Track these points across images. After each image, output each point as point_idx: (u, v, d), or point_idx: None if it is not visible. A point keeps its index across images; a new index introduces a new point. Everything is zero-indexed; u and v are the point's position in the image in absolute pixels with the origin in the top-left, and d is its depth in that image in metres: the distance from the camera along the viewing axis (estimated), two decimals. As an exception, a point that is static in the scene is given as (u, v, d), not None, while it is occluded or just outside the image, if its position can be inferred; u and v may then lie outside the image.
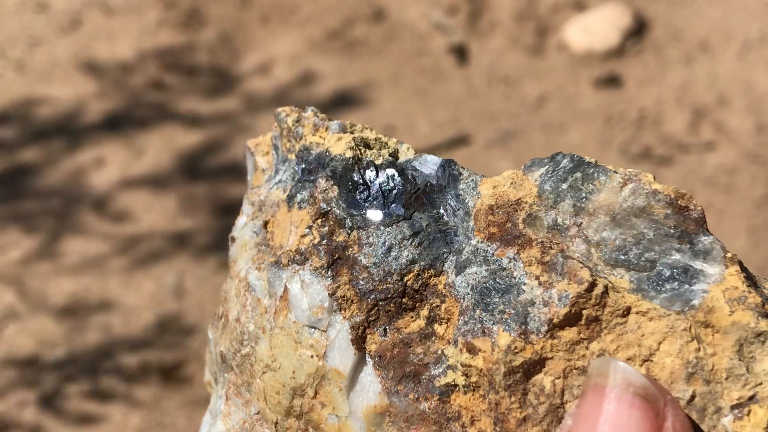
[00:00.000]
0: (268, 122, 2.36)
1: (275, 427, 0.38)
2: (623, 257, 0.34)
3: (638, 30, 2.53)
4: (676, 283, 0.33)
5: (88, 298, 1.87)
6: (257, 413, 0.39)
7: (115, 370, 1.74)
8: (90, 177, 2.18)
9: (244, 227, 0.42)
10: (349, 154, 0.38)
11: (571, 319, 0.33)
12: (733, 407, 0.31)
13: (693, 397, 0.31)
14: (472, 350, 0.34)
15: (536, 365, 0.33)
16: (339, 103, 2.43)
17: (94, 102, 2.41)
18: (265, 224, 0.40)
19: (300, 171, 0.40)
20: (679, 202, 0.35)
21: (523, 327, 0.33)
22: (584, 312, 0.33)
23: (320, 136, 0.41)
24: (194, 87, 2.47)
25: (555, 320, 0.33)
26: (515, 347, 0.33)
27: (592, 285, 0.33)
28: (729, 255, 0.33)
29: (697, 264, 0.33)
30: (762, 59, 2.41)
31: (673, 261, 0.33)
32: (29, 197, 2.13)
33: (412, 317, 0.36)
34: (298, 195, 0.39)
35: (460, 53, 2.56)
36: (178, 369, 1.74)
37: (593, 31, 2.52)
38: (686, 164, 2.17)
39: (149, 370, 1.74)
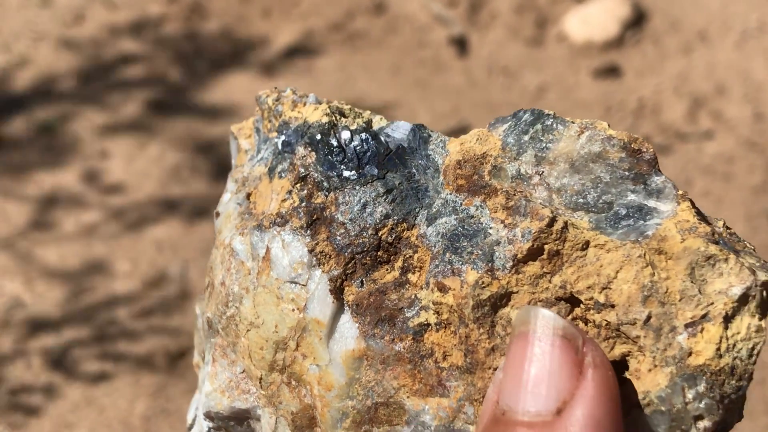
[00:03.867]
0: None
1: (260, 382, 0.40)
2: (582, 201, 0.36)
3: (637, 20, 2.54)
4: (632, 220, 0.35)
5: (80, 264, 1.89)
6: (242, 372, 0.41)
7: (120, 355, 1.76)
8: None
9: (228, 202, 0.44)
10: (325, 119, 0.41)
11: (533, 254, 0.35)
12: (686, 326, 0.33)
13: (649, 317, 0.34)
14: (442, 289, 0.37)
15: (502, 299, 0.36)
16: (340, 95, 2.44)
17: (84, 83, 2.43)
18: (248, 196, 0.43)
19: (280, 144, 0.42)
20: (632, 145, 0.36)
21: (490, 264, 0.36)
22: (546, 246, 0.35)
23: (298, 111, 0.43)
24: (195, 74, 2.49)
25: (519, 255, 0.35)
26: (482, 282, 0.36)
27: (552, 220, 0.35)
28: (680, 192, 0.35)
29: (651, 202, 0.35)
30: (760, 48, 2.42)
31: (629, 201, 0.35)
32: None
33: (387, 269, 0.38)
34: (278, 166, 0.42)
35: (461, 45, 2.57)
36: (183, 355, 1.77)
37: (592, 21, 2.53)
38: (685, 153, 2.19)
39: (155, 356, 1.76)
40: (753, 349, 0.33)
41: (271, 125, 0.44)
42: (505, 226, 0.36)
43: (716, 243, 0.34)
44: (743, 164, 2.14)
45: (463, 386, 0.36)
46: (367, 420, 0.38)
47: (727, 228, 0.36)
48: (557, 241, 0.35)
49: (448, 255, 0.37)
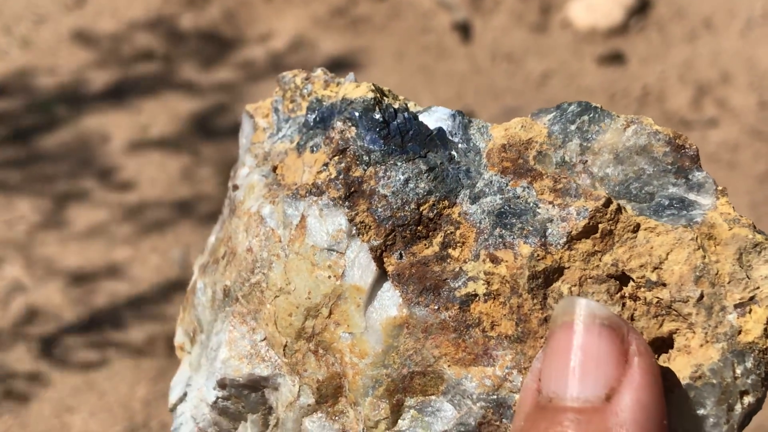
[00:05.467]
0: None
1: (283, 350, 0.40)
2: (625, 190, 0.38)
3: (642, 7, 2.53)
4: (675, 210, 0.37)
5: (94, 267, 1.89)
6: (263, 339, 0.41)
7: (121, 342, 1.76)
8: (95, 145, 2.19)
9: (248, 175, 0.45)
10: (370, 95, 0.42)
11: (588, 232, 0.37)
12: (736, 306, 0.35)
13: (702, 296, 0.36)
14: (495, 260, 0.38)
15: (555, 273, 0.37)
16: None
17: (96, 73, 2.42)
18: (274, 169, 0.43)
19: (312, 120, 0.43)
20: (676, 141, 0.38)
21: (543, 240, 0.37)
22: (600, 226, 0.37)
23: (331, 90, 0.45)
24: (197, 60, 2.48)
25: (573, 232, 0.37)
26: (537, 255, 0.37)
27: (609, 201, 0.37)
28: (720, 188, 0.38)
29: (692, 196, 0.37)
30: (765, 36, 2.41)
31: (670, 193, 0.38)
32: (36, 164, 2.14)
33: (425, 244, 0.39)
34: (309, 142, 0.42)
35: (464, 30, 2.56)
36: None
37: (597, 8, 2.52)
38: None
39: (155, 342, 1.76)
40: None
41: (294, 105, 0.45)
42: (554, 206, 0.38)
43: (760, 233, 0.36)
44: (748, 152, 2.13)
45: (512, 355, 0.37)
46: (401, 389, 0.38)
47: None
48: (611, 222, 0.37)
49: (498, 230, 0.38)
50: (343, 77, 0.45)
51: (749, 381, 0.35)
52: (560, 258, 0.37)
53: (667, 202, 0.37)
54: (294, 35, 2.55)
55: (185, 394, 0.45)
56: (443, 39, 2.55)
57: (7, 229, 1.99)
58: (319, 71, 0.46)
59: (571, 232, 0.37)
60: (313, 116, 0.43)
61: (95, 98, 2.35)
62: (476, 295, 0.38)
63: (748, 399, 0.35)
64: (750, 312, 0.35)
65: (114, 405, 1.67)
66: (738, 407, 0.35)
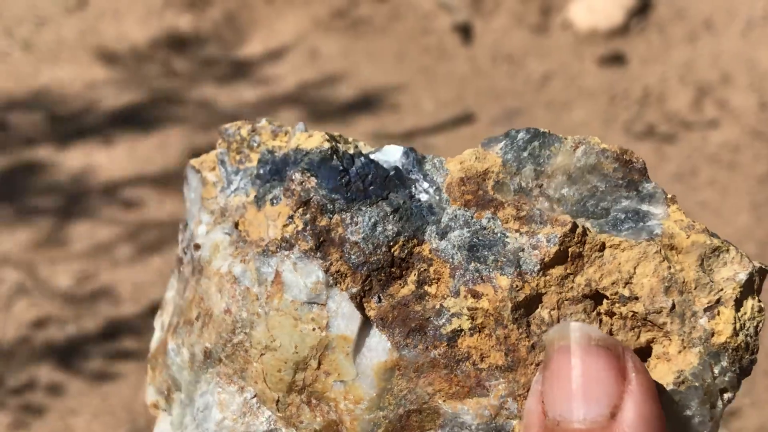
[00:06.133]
0: (272, 103, 2.37)
1: (276, 405, 0.41)
2: (582, 209, 0.40)
3: (642, 8, 2.54)
4: (632, 222, 0.39)
5: (94, 282, 1.89)
6: (254, 397, 0.41)
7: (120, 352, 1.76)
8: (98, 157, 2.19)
9: (209, 233, 0.44)
10: (326, 145, 0.43)
11: (559, 257, 0.38)
12: (705, 310, 0.38)
13: (674, 305, 0.38)
14: (476, 295, 0.39)
15: (534, 300, 0.39)
16: (344, 83, 2.44)
17: (103, 86, 2.42)
18: (236, 225, 0.44)
19: (267, 172, 0.44)
20: (624, 156, 0.40)
21: (518, 269, 0.38)
22: (570, 249, 0.38)
23: (281, 140, 0.45)
24: (199, 68, 2.49)
25: (546, 259, 0.38)
26: (516, 285, 0.38)
27: (575, 225, 0.38)
28: (669, 196, 0.40)
29: (644, 207, 0.39)
30: (765, 37, 2.41)
31: (624, 206, 0.40)
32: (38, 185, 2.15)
33: (400, 284, 0.40)
34: (268, 195, 0.43)
35: (465, 32, 2.57)
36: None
37: (597, 9, 2.52)
38: (690, 141, 2.19)
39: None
40: (757, 326, 0.38)
41: (242, 156, 0.45)
42: (521, 234, 0.39)
43: (714, 236, 0.38)
44: (749, 153, 2.14)
45: (505, 383, 0.38)
46: (399, 428, 0.39)
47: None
48: (579, 244, 0.38)
49: (473, 264, 0.39)
50: (291, 126, 0.46)
51: (726, 379, 0.38)
52: (537, 285, 0.38)
53: (623, 216, 0.39)
54: (295, 38, 2.55)
55: None
56: (444, 40, 2.55)
57: (13, 245, 1.99)
58: (264, 122, 0.46)
59: (544, 259, 0.38)
60: (267, 168, 0.44)
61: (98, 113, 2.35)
62: (462, 330, 0.39)
63: (727, 395, 0.38)
64: (718, 314, 0.37)
65: (117, 408, 1.67)
66: (719, 404, 0.38)
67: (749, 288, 0.38)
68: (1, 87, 2.41)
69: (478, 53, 2.51)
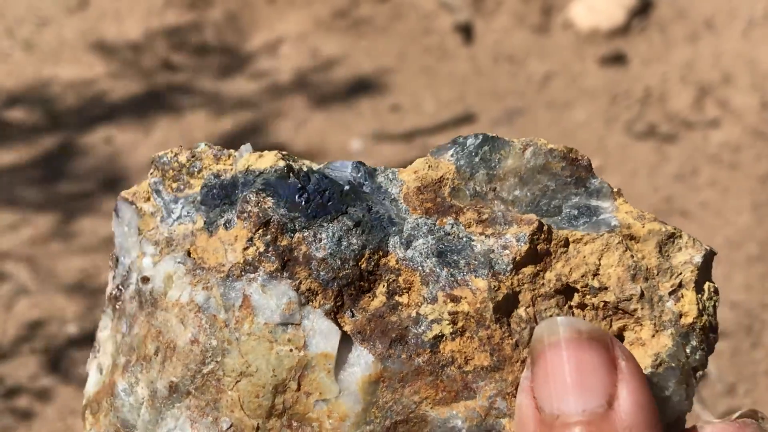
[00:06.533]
0: (274, 107, 2.37)
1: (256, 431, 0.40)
2: (536, 208, 0.41)
3: (643, 8, 2.54)
4: (585, 217, 0.41)
5: (99, 276, 1.89)
6: (230, 427, 0.41)
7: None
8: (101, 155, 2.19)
9: (157, 264, 0.43)
10: (281, 163, 0.42)
11: (530, 255, 0.40)
12: (670, 294, 0.39)
13: (642, 292, 0.39)
14: (454, 300, 0.39)
15: (512, 299, 0.39)
16: (345, 83, 2.44)
17: (103, 82, 2.42)
18: (188, 253, 0.43)
19: (214, 196, 0.43)
20: (570, 155, 0.42)
21: (492, 270, 0.39)
22: (538, 247, 0.40)
23: (224, 164, 0.44)
24: (203, 66, 2.49)
25: (518, 258, 0.39)
26: (494, 286, 0.39)
27: (541, 224, 0.40)
28: (615, 190, 0.42)
29: (593, 201, 0.41)
30: (766, 37, 2.41)
31: (575, 203, 0.41)
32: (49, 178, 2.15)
33: (369, 297, 0.40)
34: (219, 219, 0.42)
35: (466, 32, 2.57)
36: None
37: (598, 9, 2.52)
38: (691, 141, 2.19)
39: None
40: (715, 306, 0.40)
41: (180, 184, 0.45)
42: (487, 237, 0.40)
43: (665, 224, 0.40)
44: (750, 153, 2.14)
45: (493, 383, 0.39)
46: None
47: None
48: (545, 241, 0.40)
49: (446, 270, 0.40)
50: (233, 150, 0.45)
51: (697, 357, 0.39)
52: (511, 284, 0.39)
53: (576, 212, 0.41)
54: (296, 38, 2.55)
55: None
56: (445, 40, 2.55)
57: (18, 240, 2.00)
58: (203, 146, 0.45)
59: (515, 258, 0.39)
60: (214, 192, 0.43)
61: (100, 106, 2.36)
62: (443, 335, 0.39)
63: (699, 373, 0.39)
64: (682, 296, 0.39)
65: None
66: (692, 381, 0.39)
67: (705, 270, 0.40)
68: (3, 87, 2.41)
69: (479, 53, 2.51)
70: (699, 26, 2.49)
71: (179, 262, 0.42)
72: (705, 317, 0.39)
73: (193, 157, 0.45)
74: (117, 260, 0.46)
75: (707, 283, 0.40)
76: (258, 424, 0.40)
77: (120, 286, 0.45)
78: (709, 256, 0.40)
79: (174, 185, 0.45)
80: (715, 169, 2.11)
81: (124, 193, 0.46)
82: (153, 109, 2.34)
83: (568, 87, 2.38)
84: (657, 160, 2.14)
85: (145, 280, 0.43)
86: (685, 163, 2.13)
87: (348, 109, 2.35)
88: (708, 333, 0.40)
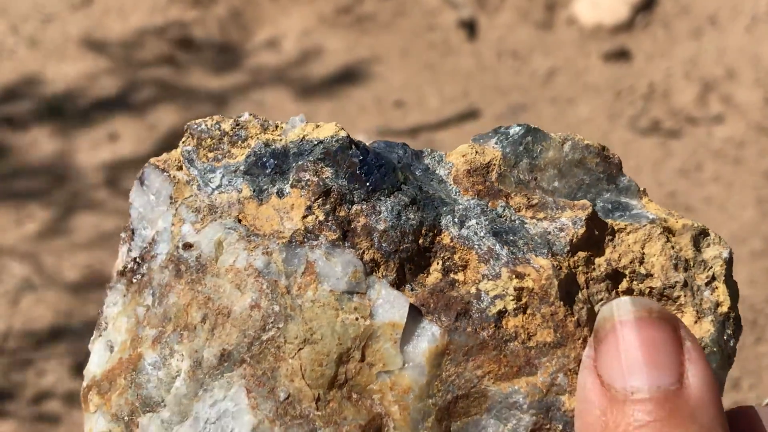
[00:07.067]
0: (278, 97, 2.37)
1: (316, 403, 0.39)
2: (573, 200, 0.43)
3: (647, 4, 2.53)
4: (620, 211, 0.43)
5: (100, 273, 1.90)
6: (287, 397, 0.39)
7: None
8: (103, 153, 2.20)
9: (202, 231, 0.42)
10: (343, 134, 0.43)
11: (585, 239, 0.41)
12: (706, 284, 0.41)
13: (685, 281, 0.41)
14: (519, 276, 0.40)
15: (572, 279, 0.41)
16: (348, 79, 2.44)
17: (105, 78, 2.43)
18: (238, 221, 0.42)
19: (264, 165, 0.43)
20: (604, 152, 0.44)
21: (551, 250, 0.41)
22: (593, 232, 0.41)
23: (272, 133, 0.44)
24: (205, 63, 2.49)
25: (574, 240, 0.41)
26: (556, 265, 0.40)
27: (594, 210, 0.41)
28: (642, 189, 0.44)
29: (623, 198, 0.43)
30: (771, 32, 2.41)
31: (607, 198, 0.43)
32: (39, 173, 2.16)
33: (425, 274, 0.41)
34: (271, 187, 0.42)
35: (470, 28, 2.57)
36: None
37: (602, 5, 2.52)
38: (695, 137, 2.19)
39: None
40: (738, 300, 0.42)
41: (217, 153, 0.44)
42: (539, 220, 0.42)
43: (694, 221, 0.42)
44: (754, 148, 2.14)
45: (555, 359, 0.39)
46: (447, 415, 0.39)
47: None
48: (598, 227, 0.41)
49: (506, 248, 0.41)
50: (282, 121, 0.45)
51: (732, 344, 0.41)
52: (569, 265, 0.41)
53: (609, 206, 0.43)
54: (300, 33, 2.55)
55: None
56: (449, 36, 2.55)
57: (16, 236, 2.00)
58: (247, 116, 0.45)
59: (572, 240, 0.41)
60: (264, 161, 0.43)
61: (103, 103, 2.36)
62: (506, 311, 0.39)
63: (731, 360, 0.41)
64: (716, 288, 0.41)
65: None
66: (727, 368, 0.41)
67: (730, 266, 0.42)
68: (7, 83, 2.41)
69: (483, 49, 2.51)
70: (703, 22, 2.48)
71: (229, 228, 0.42)
72: (735, 309, 0.41)
73: (237, 125, 0.45)
74: (133, 232, 0.45)
75: (731, 279, 0.42)
76: (319, 394, 0.39)
77: (138, 259, 0.44)
78: (731, 255, 0.42)
79: (210, 155, 0.44)
80: (719, 165, 2.11)
81: (153, 160, 0.46)
82: (154, 104, 2.34)
83: (572, 83, 2.38)
84: (661, 156, 2.14)
85: (188, 246, 0.42)
86: (689, 159, 2.13)
87: (352, 105, 2.35)
88: (738, 324, 0.41)
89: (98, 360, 0.44)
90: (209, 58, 2.51)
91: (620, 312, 0.36)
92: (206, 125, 0.45)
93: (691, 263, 0.41)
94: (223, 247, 0.42)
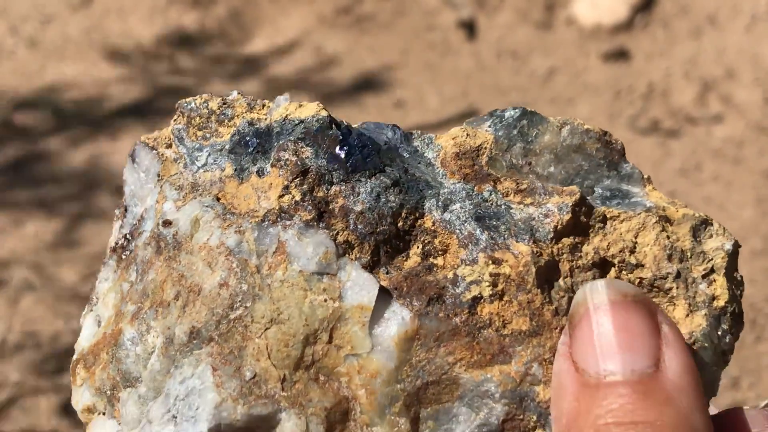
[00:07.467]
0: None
1: (281, 383, 0.39)
2: (569, 186, 0.41)
3: (646, 4, 2.54)
4: (618, 199, 0.41)
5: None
6: (253, 377, 0.39)
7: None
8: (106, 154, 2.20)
9: (182, 208, 0.42)
10: (324, 113, 0.42)
11: (570, 226, 0.40)
12: (702, 277, 0.40)
13: (678, 272, 0.40)
14: (496, 262, 0.39)
15: (553, 266, 0.39)
16: (349, 79, 2.44)
17: (112, 85, 2.43)
18: (217, 199, 0.42)
19: (247, 144, 0.42)
20: (605, 137, 0.42)
21: (533, 237, 0.39)
22: (579, 219, 0.40)
23: (258, 112, 0.44)
24: (204, 62, 2.49)
25: (559, 226, 0.40)
26: (536, 251, 0.39)
27: (583, 196, 0.40)
28: (646, 177, 0.42)
29: (624, 186, 0.42)
30: (770, 32, 2.41)
31: (607, 185, 0.42)
32: (50, 181, 2.15)
33: (404, 257, 0.40)
34: (251, 167, 0.42)
35: (469, 28, 2.57)
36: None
37: (601, 5, 2.52)
38: (694, 136, 2.19)
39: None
40: (741, 294, 0.41)
41: (205, 132, 0.44)
42: (526, 206, 0.40)
43: (696, 211, 0.41)
44: (753, 148, 2.14)
45: (530, 348, 0.38)
46: (416, 401, 0.38)
47: None
48: (585, 214, 0.40)
49: (486, 233, 0.39)
50: (269, 100, 0.45)
51: (727, 340, 0.40)
52: (551, 252, 0.39)
53: (608, 194, 0.41)
54: (300, 34, 2.55)
55: None
56: (448, 36, 2.56)
57: (22, 248, 2.00)
58: (236, 94, 0.45)
59: (557, 226, 0.39)
60: (247, 140, 0.42)
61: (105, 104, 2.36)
62: (482, 297, 0.39)
63: (727, 357, 0.40)
64: (714, 281, 0.40)
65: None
66: (722, 365, 0.39)
67: (733, 259, 0.40)
68: (8, 85, 2.41)
69: (483, 49, 2.52)
70: (702, 22, 2.49)
71: (207, 206, 0.42)
72: (734, 303, 0.40)
73: (224, 104, 0.44)
74: (126, 209, 0.45)
75: (735, 272, 0.40)
76: (285, 374, 0.39)
77: (128, 236, 0.44)
78: (736, 246, 0.40)
79: (199, 133, 0.44)
80: (719, 164, 2.11)
81: (144, 138, 0.46)
82: (154, 108, 2.35)
83: (572, 83, 2.38)
84: (660, 155, 2.14)
85: (168, 223, 0.42)
86: (689, 158, 2.13)
87: (352, 105, 2.35)
88: (737, 319, 0.40)
89: (87, 334, 0.44)
90: (209, 60, 2.51)
91: (594, 296, 0.35)
92: (195, 104, 0.45)
93: (688, 254, 0.40)
94: (200, 224, 0.41)
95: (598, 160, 0.42)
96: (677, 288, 0.40)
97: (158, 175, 0.44)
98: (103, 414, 0.42)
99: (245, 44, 2.55)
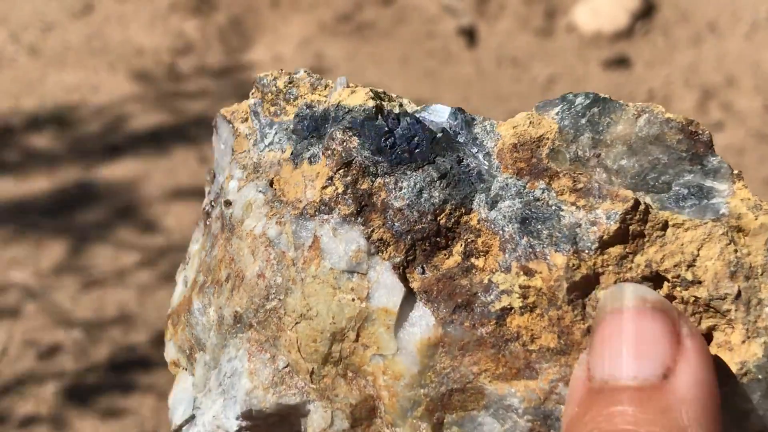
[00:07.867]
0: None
1: (310, 376, 0.39)
2: (642, 182, 0.37)
3: (647, 11, 2.54)
4: (695, 199, 0.37)
5: (111, 310, 1.90)
6: (286, 366, 0.39)
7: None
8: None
9: (241, 189, 0.42)
10: (371, 103, 0.40)
11: (619, 236, 0.36)
12: None
13: (739, 292, 0.35)
14: (528, 273, 0.37)
15: (591, 280, 0.36)
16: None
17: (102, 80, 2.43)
18: (271, 183, 0.41)
19: (304, 128, 0.41)
20: (689, 128, 0.38)
21: (574, 246, 0.36)
22: (630, 228, 0.36)
23: (320, 94, 0.43)
24: (205, 69, 2.49)
25: (605, 237, 0.36)
26: (572, 264, 0.36)
27: (637, 202, 0.36)
28: (736, 172, 0.37)
29: (708, 182, 0.37)
30: (770, 39, 2.42)
31: (686, 181, 0.37)
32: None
33: (445, 255, 0.38)
34: (305, 152, 0.41)
35: (470, 35, 2.57)
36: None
37: (602, 12, 2.53)
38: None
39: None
40: None
41: (277, 108, 0.43)
42: (578, 208, 0.37)
43: None
44: (754, 155, 2.14)
45: (556, 367, 0.36)
46: (440, 407, 0.37)
47: None
48: (640, 222, 0.36)
49: (525, 239, 0.37)
50: (331, 79, 0.44)
51: None
52: (594, 264, 0.36)
53: (685, 191, 0.37)
54: (300, 42, 2.56)
55: (193, 417, 0.42)
56: (449, 44, 2.56)
57: (32, 273, 2.00)
58: (302, 72, 0.44)
59: (602, 236, 0.36)
60: (305, 123, 0.41)
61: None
62: (512, 308, 0.37)
63: None
64: None
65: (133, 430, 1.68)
66: None
67: None
68: (9, 92, 2.41)
69: (483, 56, 2.52)
70: (702, 29, 2.49)
71: (260, 191, 0.41)
72: None
73: (290, 83, 0.43)
74: (214, 176, 0.46)
75: None
76: (313, 368, 0.39)
77: (212, 203, 0.45)
78: None
79: (272, 109, 0.43)
80: (719, 172, 2.10)
81: (223, 111, 0.45)
82: (164, 128, 2.35)
83: (572, 90, 2.37)
84: (661, 163, 2.14)
85: (228, 203, 0.42)
86: (689, 166, 2.13)
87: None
88: None
89: (177, 292, 0.46)
90: (210, 63, 2.51)
91: (613, 301, 0.34)
92: (267, 80, 0.44)
93: (759, 271, 0.35)
94: (252, 209, 0.41)
95: (680, 152, 0.37)
96: (736, 310, 0.35)
97: (232, 150, 0.44)
98: (185, 370, 0.44)
99: (246, 51, 2.55)
